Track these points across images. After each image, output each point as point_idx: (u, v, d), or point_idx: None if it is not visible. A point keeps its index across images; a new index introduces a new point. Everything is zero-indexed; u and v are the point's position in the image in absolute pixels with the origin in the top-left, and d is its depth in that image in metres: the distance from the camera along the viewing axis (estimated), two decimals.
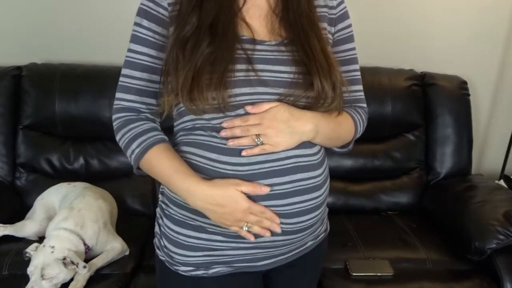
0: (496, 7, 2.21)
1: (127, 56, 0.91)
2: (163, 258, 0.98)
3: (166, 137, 0.92)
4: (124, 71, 0.91)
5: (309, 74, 0.86)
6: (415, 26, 2.22)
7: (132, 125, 0.91)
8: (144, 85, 0.91)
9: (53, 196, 1.77)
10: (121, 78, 0.92)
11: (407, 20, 2.21)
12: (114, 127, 0.93)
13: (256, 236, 0.89)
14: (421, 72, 2.18)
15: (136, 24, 0.90)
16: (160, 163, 0.88)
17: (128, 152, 0.91)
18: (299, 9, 0.90)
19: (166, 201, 0.97)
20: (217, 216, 0.86)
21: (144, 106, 0.92)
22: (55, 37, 2.10)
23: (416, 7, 2.19)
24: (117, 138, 0.93)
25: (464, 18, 2.22)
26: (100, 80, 1.94)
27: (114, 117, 0.93)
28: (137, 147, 0.89)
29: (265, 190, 0.86)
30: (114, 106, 0.93)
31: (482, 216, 1.71)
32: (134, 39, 0.90)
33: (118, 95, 0.93)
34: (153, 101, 0.93)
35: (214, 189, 0.84)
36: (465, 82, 2.15)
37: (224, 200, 0.84)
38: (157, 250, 1.01)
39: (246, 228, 0.87)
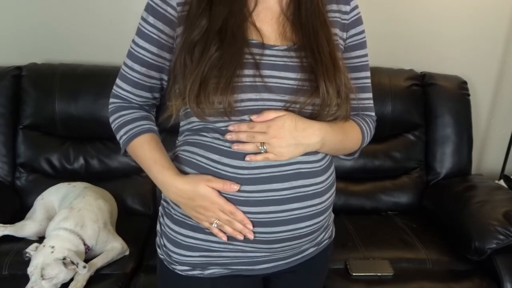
0: (496, 7, 2.21)
1: (130, 47, 0.93)
2: (162, 257, 0.99)
3: (154, 127, 0.96)
4: (126, 60, 0.94)
5: (316, 80, 0.85)
6: (415, 26, 2.22)
7: (123, 112, 0.95)
8: (141, 79, 0.93)
9: (53, 196, 1.78)
10: (122, 66, 0.95)
11: (407, 20, 2.21)
12: (108, 110, 0.98)
13: (231, 238, 0.89)
14: (421, 72, 2.18)
15: (142, 18, 0.91)
16: (142, 153, 0.92)
17: (117, 137, 0.96)
18: (312, 7, 0.89)
19: (168, 200, 0.97)
20: (189, 208, 0.89)
21: (137, 99, 0.96)
22: (55, 37, 2.10)
23: (416, 7, 2.19)
24: (110, 121, 0.98)
25: (464, 18, 2.22)
26: (100, 80, 1.94)
27: (109, 100, 0.98)
28: (124, 134, 0.94)
29: (235, 187, 0.86)
30: (112, 91, 0.98)
31: (482, 216, 1.71)
32: (139, 33, 0.91)
33: (117, 81, 0.96)
34: (148, 94, 0.96)
35: (185, 184, 0.87)
36: (465, 82, 2.15)
37: (194, 195, 0.86)
38: (157, 249, 1.01)
39: (216, 225, 0.88)
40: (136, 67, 0.92)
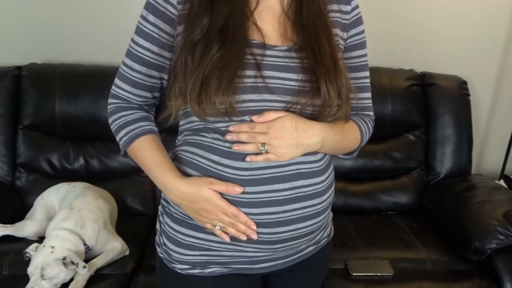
0: (496, 7, 2.21)
1: (130, 46, 0.92)
2: (161, 255, 0.99)
3: (155, 128, 0.95)
4: (125, 59, 0.92)
5: (317, 81, 0.85)
6: (415, 26, 2.22)
7: (122, 113, 0.94)
8: (141, 79, 0.92)
9: (53, 196, 1.77)
10: (121, 65, 0.94)
11: (407, 20, 2.21)
12: (108, 111, 0.97)
13: (232, 238, 0.89)
14: (421, 72, 2.18)
15: (142, 17, 0.90)
16: (143, 154, 0.92)
17: (117, 138, 0.95)
18: (313, 8, 0.89)
19: (167, 199, 0.97)
20: (191, 211, 0.88)
21: (137, 98, 0.95)
22: (55, 37, 2.10)
23: (416, 7, 2.19)
24: (109, 122, 0.97)
25: (464, 18, 2.22)
26: (100, 80, 1.93)
27: (108, 101, 0.97)
28: (124, 135, 0.93)
29: (238, 190, 0.85)
30: (111, 91, 0.96)
31: (482, 216, 1.71)
32: (138, 31, 0.90)
33: (116, 81, 0.95)
34: (148, 94, 0.95)
35: (187, 186, 0.86)
36: (465, 82, 2.15)
37: (196, 197, 0.86)
38: (157, 247, 1.01)
39: (219, 228, 0.88)
40: (136, 66, 0.91)
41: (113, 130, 0.96)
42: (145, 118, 0.95)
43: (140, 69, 0.91)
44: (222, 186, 0.85)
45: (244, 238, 0.88)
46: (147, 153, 0.91)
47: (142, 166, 0.93)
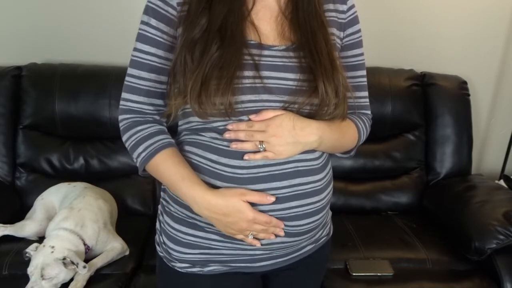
0: (496, 7, 2.22)
1: (133, 56, 0.89)
2: (161, 254, 0.99)
3: (172, 141, 0.92)
4: (131, 70, 0.89)
5: (314, 80, 0.85)
6: (415, 26, 2.22)
7: (139, 128, 0.90)
8: (152, 86, 0.89)
9: (53, 196, 1.78)
10: (127, 78, 0.90)
11: (407, 20, 2.21)
12: (121, 128, 0.92)
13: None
14: (421, 72, 2.18)
15: (143, 23, 0.88)
16: (166, 169, 0.87)
17: (134, 155, 0.90)
18: (309, 8, 0.90)
19: (167, 199, 0.97)
20: (222, 225, 0.86)
21: (152, 108, 0.91)
22: (55, 37, 2.10)
23: (416, 7, 2.19)
24: (123, 139, 0.92)
25: (464, 18, 2.22)
26: (100, 80, 1.93)
27: (120, 117, 0.92)
28: (143, 150, 0.88)
29: (271, 199, 0.85)
30: (121, 107, 0.92)
31: (482, 216, 1.71)
32: (141, 38, 0.88)
33: (124, 95, 0.91)
34: (160, 102, 0.92)
35: (219, 199, 0.84)
36: (465, 82, 2.15)
37: (228, 210, 0.84)
38: (157, 246, 1.02)
39: (251, 237, 0.88)
40: (144, 74, 0.88)
41: (129, 147, 0.91)
42: (162, 131, 0.91)
43: (149, 76, 0.88)
44: (255, 197, 0.85)
45: (273, 237, 0.90)
46: (171, 168, 0.87)
47: (165, 181, 0.89)
